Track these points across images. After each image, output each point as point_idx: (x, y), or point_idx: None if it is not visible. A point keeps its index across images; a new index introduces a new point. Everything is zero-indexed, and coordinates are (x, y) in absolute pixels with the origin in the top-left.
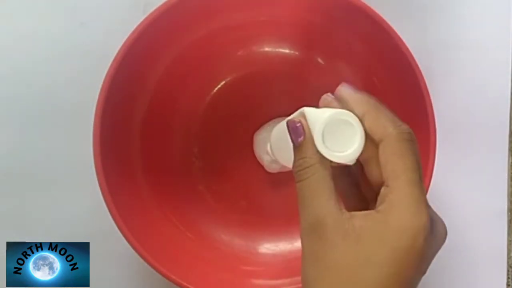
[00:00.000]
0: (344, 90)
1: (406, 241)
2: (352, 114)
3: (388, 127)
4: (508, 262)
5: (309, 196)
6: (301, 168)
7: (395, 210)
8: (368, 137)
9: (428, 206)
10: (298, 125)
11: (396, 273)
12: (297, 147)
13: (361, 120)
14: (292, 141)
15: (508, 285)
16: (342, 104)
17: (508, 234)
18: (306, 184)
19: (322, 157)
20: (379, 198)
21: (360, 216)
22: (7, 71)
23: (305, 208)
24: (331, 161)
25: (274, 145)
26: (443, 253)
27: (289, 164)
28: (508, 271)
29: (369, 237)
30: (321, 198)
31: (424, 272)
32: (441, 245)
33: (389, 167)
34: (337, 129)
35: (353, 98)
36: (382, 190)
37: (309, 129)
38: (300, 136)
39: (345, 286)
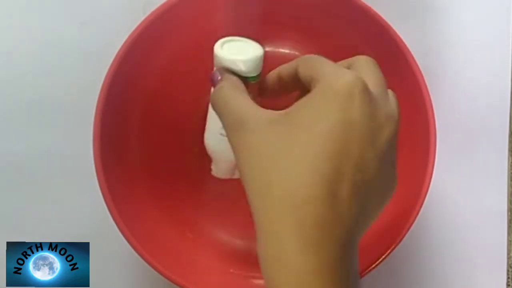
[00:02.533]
0: None
1: (332, 98)
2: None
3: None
4: (508, 262)
5: (224, 104)
6: (215, 84)
7: (316, 84)
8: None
9: (352, 71)
10: (214, 74)
11: (338, 149)
12: (211, 77)
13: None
14: (212, 81)
15: (508, 285)
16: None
17: (508, 234)
18: (219, 97)
19: (228, 72)
20: (306, 87)
21: (286, 109)
22: (7, 71)
23: (226, 116)
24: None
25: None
26: (443, 253)
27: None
28: (508, 271)
29: (296, 114)
30: (236, 100)
31: (381, 154)
32: (383, 119)
33: (307, 69)
34: (235, 45)
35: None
36: (305, 81)
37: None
38: (217, 77)
39: (282, 164)
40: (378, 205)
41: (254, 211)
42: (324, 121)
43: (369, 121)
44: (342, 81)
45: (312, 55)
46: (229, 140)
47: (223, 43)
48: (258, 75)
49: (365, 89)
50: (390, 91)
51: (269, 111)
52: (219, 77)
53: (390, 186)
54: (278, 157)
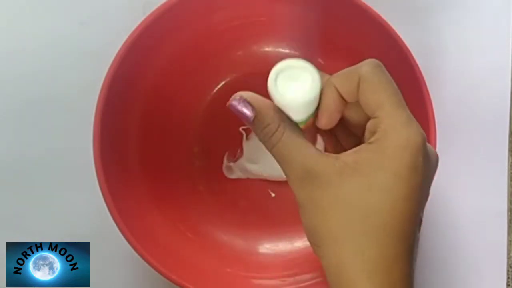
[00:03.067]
0: None
1: (407, 162)
2: (303, 60)
3: (358, 69)
4: (508, 262)
5: (288, 153)
6: (270, 135)
7: (389, 135)
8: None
9: (416, 123)
10: (239, 101)
11: (404, 197)
12: (253, 121)
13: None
14: (245, 119)
15: (508, 285)
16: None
17: (508, 234)
18: (281, 145)
19: (283, 116)
20: (367, 133)
21: (350, 153)
22: (7, 71)
23: (288, 164)
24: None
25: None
26: (443, 253)
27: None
28: (508, 271)
29: (367, 166)
30: (302, 150)
31: (427, 195)
32: (436, 166)
33: (371, 101)
34: (290, 77)
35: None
36: (369, 123)
37: (255, 97)
38: (248, 110)
39: (351, 219)
40: None
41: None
42: (395, 184)
43: (428, 174)
44: (412, 139)
45: (370, 72)
46: (293, 190)
47: (277, 74)
48: (313, 113)
49: (425, 143)
50: None
51: (335, 160)
52: (251, 111)
53: None
54: (350, 220)
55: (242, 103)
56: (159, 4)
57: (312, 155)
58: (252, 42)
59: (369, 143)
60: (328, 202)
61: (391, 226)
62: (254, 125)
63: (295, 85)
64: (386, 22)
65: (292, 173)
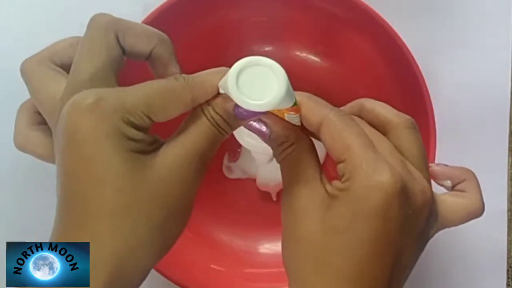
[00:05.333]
0: None
1: (373, 203)
2: (270, 60)
3: (323, 110)
4: (508, 262)
5: (296, 168)
6: (287, 145)
7: (354, 177)
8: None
9: (389, 164)
10: (257, 123)
11: (367, 239)
12: (271, 137)
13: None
14: (263, 138)
15: (508, 285)
16: None
17: (508, 234)
18: (294, 156)
19: (298, 130)
20: (339, 173)
21: (334, 185)
22: (7, 72)
23: (288, 179)
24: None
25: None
26: (443, 253)
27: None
28: (508, 271)
29: (338, 205)
30: (308, 170)
31: (416, 243)
32: (419, 205)
33: (337, 145)
34: (255, 78)
35: None
36: (339, 166)
37: (273, 116)
38: (265, 126)
39: (313, 258)
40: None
41: None
42: (363, 227)
43: (404, 220)
44: (381, 184)
45: (333, 115)
46: (282, 214)
47: (238, 83)
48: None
49: (402, 191)
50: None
51: (319, 189)
52: (267, 129)
53: (420, 253)
54: (321, 257)
55: (257, 123)
56: (159, 4)
57: (312, 180)
58: (252, 42)
59: (341, 182)
60: (295, 232)
61: (346, 268)
62: (270, 141)
63: (261, 88)
64: (386, 22)
65: (287, 198)
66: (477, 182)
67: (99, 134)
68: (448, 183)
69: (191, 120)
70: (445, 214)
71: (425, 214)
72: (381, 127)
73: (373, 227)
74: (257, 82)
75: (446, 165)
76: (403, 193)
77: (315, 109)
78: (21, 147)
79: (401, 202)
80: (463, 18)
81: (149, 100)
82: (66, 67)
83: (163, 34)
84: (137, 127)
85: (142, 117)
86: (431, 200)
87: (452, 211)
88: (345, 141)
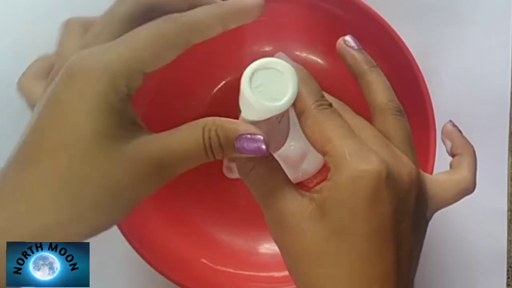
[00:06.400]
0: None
1: (362, 194)
2: (283, 62)
3: (306, 100)
4: (508, 262)
5: (263, 194)
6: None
7: (340, 169)
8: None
9: (373, 152)
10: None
11: (365, 236)
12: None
13: None
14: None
15: (508, 285)
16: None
17: (508, 234)
18: (258, 185)
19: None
20: (328, 166)
21: (319, 190)
22: (7, 72)
23: (264, 205)
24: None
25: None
26: (443, 253)
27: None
28: (508, 271)
29: (330, 207)
30: (277, 192)
31: (413, 234)
32: (407, 186)
33: (317, 136)
34: (268, 79)
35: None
36: (326, 159)
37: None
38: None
39: (322, 266)
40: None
41: None
42: (352, 223)
43: (398, 203)
44: (367, 172)
45: (314, 107)
46: (271, 234)
47: (252, 85)
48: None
49: (389, 176)
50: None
51: (308, 202)
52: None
53: (422, 236)
54: (322, 263)
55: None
56: None
57: (286, 200)
58: (252, 42)
59: (328, 180)
60: (295, 250)
61: (357, 264)
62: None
63: (274, 90)
64: (386, 23)
65: (267, 215)
66: (474, 158)
67: (81, 101)
68: (449, 144)
69: (186, 129)
70: (439, 193)
71: (414, 193)
72: (370, 106)
73: (370, 217)
74: (268, 85)
75: (459, 131)
76: (391, 177)
77: (299, 97)
78: (21, 87)
79: (390, 186)
80: (463, 19)
81: (139, 55)
82: None
83: None
84: (128, 87)
85: (130, 76)
86: (418, 180)
87: (445, 190)
88: (325, 134)
